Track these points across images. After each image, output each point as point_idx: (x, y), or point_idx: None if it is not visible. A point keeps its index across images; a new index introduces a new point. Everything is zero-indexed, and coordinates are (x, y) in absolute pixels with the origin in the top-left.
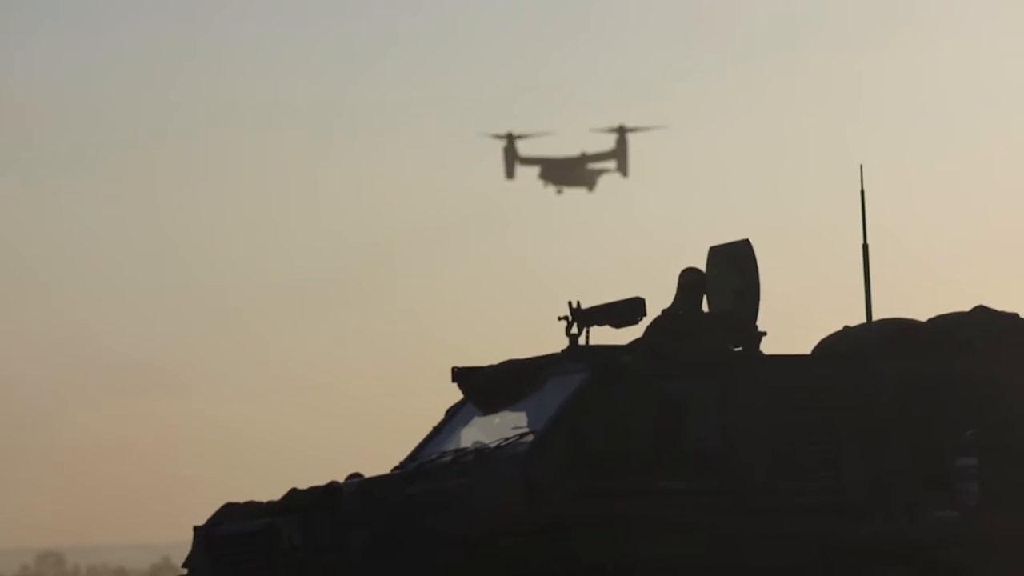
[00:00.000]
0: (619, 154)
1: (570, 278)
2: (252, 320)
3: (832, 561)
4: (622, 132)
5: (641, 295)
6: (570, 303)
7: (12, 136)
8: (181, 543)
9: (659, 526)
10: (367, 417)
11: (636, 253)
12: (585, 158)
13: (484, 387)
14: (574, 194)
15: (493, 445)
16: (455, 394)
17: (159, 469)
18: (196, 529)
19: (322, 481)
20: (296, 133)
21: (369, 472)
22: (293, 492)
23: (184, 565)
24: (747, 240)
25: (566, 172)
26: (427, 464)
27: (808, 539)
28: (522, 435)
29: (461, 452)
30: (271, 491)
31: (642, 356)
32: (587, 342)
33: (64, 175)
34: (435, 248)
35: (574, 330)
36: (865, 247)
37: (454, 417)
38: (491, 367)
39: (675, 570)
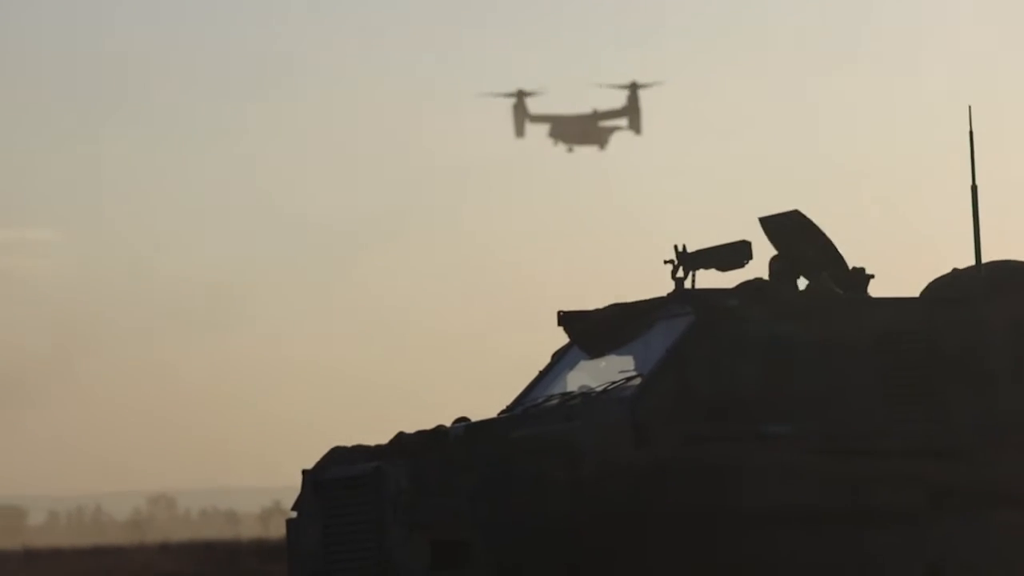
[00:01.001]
0: (631, 111)
1: (673, 221)
2: (360, 265)
3: (941, 504)
4: (634, 88)
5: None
6: (676, 246)
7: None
8: (290, 487)
9: (765, 470)
10: (474, 361)
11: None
12: (597, 115)
13: (590, 331)
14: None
15: (599, 389)
16: (561, 338)
17: (269, 413)
18: (305, 473)
19: (429, 425)
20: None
21: (476, 416)
22: (400, 436)
23: (293, 508)
24: (797, 210)
25: (577, 130)
26: (533, 408)
27: (917, 482)
28: (628, 379)
29: (567, 396)
30: (379, 435)
31: (748, 299)
32: (693, 285)
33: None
34: (539, 190)
35: (680, 273)
36: (974, 188)
37: (560, 361)
38: (597, 311)
39: (782, 514)
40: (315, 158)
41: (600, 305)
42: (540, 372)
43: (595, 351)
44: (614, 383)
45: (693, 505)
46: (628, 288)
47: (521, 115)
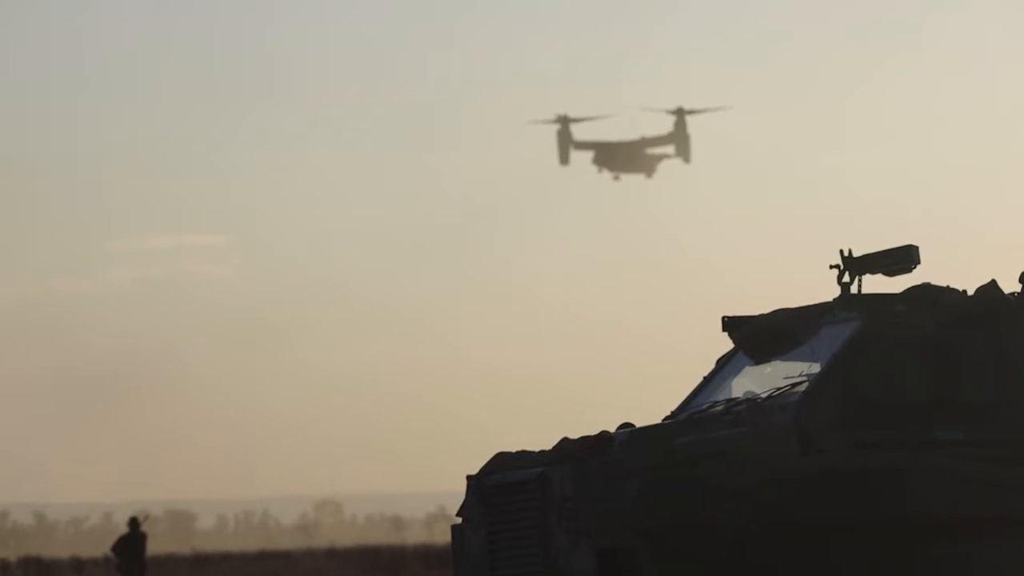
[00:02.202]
0: (678, 137)
1: (837, 226)
2: (530, 271)
3: None
4: (681, 114)
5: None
6: (842, 251)
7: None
8: (455, 492)
9: (935, 477)
10: (638, 366)
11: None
12: (644, 142)
13: (755, 336)
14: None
15: (764, 395)
16: (726, 343)
17: (433, 419)
18: (469, 478)
19: (593, 430)
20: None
21: (640, 421)
22: (565, 441)
23: (458, 514)
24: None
25: (623, 157)
26: (698, 414)
27: None
28: (794, 384)
29: (732, 402)
30: (543, 440)
31: (915, 304)
32: (859, 290)
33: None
34: (705, 195)
35: (846, 278)
36: None
37: (725, 367)
38: (762, 316)
39: (952, 522)
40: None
41: (765, 310)
42: (705, 378)
43: (760, 356)
44: (779, 389)
45: (861, 513)
46: (792, 293)
47: (565, 141)
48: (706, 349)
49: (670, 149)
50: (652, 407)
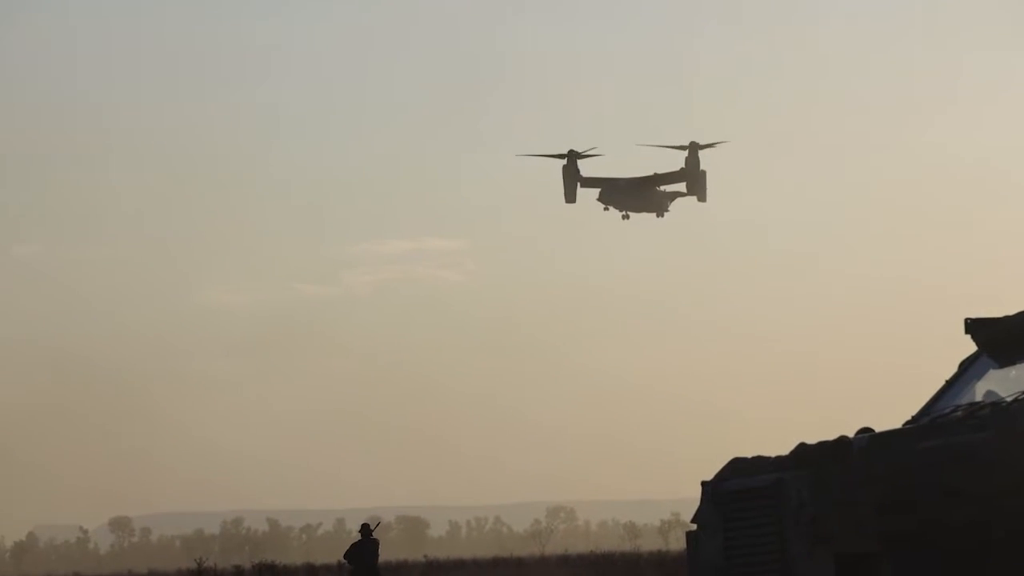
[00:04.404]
0: (690, 174)
1: None
2: (745, 275)
3: None
4: (694, 149)
5: None
6: None
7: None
8: (689, 499)
9: None
10: (877, 370)
11: None
12: (657, 178)
13: (999, 338)
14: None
15: (1010, 399)
16: (968, 346)
17: (666, 426)
18: (704, 484)
19: (831, 436)
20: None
21: (880, 426)
22: (801, 447)
23: (693, 520)
24: None
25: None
26: (940, 418)
27: None
28: None
29: (976, 406)
30: (779, 446)
31: None
32: None
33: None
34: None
35: None
36: None
37: (968, 370)
38: (1008, 317)
39: None
40: None
41: (1010, 312)
42: (947, 381)
43: (1005, 359)
44: None
45: None
46: None
47: (572, 177)
48: (948, 352)
49: (682, 187)
50: (892, 412)
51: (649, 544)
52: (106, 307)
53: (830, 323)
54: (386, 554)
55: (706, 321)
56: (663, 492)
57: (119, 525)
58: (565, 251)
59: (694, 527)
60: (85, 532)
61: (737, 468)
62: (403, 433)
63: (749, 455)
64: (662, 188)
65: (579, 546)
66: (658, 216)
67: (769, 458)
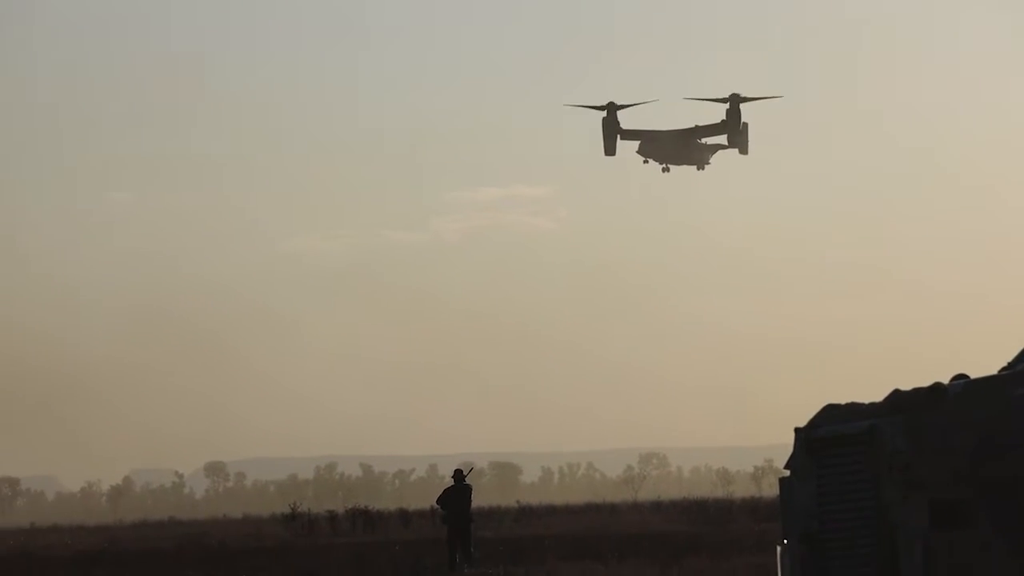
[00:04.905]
0: (732, 127)
1: None
2: (840, 221)
3: None
4: (735, 102)
5: None
6: None
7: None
8: (782, 446)
9: None
10: (973, 315)
11: None
12: (698, 130)
13: None
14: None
15: None
16: None
17: (759, 372)
18: (797, 431)
19: (926, 382)
20: None
21: (975, 373)
22: (896, 393)
23: (786, 467)
24: None
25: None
26: None
27: None
28: None
29: None
30: (873, 391)
31: None
32: None
33: None
34: None
35: None
36: None
37: None
38: None
39: None
40: None
41: None
42: None
43: None
44: None
45: None
46: None
47: (612, 129)
48: None
49: (723, 139)
50: (987, 358)
51: (742, 491)
52: (198, 254)
53: (924, 269)
54: (479, 500)
55: (798, 268)
56: (756, 439)
57: (214, 470)
58: (654, 198)
59: (787, 474)
60: (180, 477)
61: (831, 414)
62: (495, 379)
63: (843, 401)
64: (703, 141)
65: (671, 492)
66: (699, 169)
67: (863, 404)
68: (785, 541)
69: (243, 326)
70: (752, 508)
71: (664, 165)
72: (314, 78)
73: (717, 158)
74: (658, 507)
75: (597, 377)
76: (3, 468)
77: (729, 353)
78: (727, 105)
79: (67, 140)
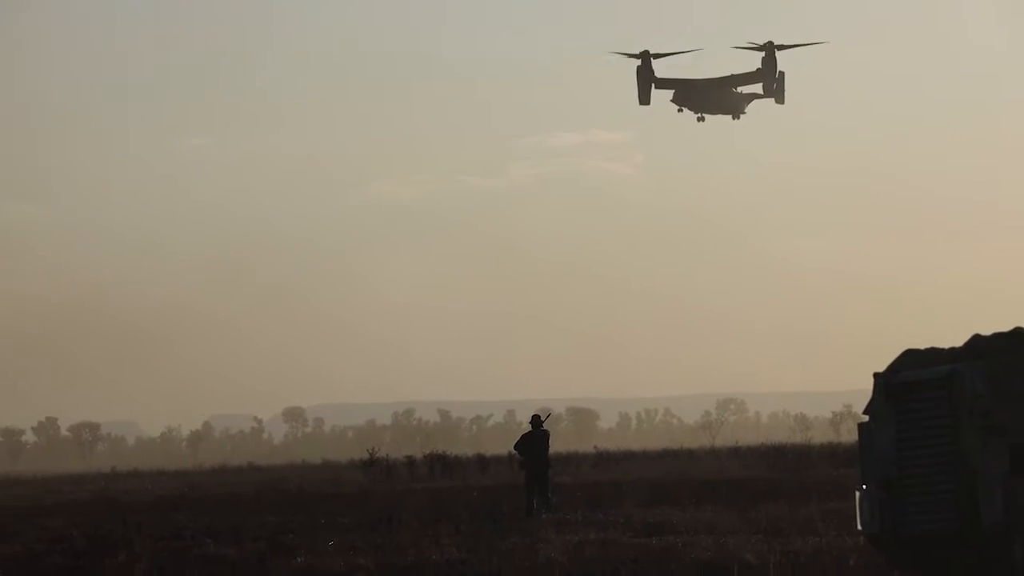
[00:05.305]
0: (767, 75)
1: None
2: (922, 165)
3: None
4: (770, 50)
5: None
6: None
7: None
8: (862, 390)
9: None
10: None
11: None
12: (733, 79)
13: None
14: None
15: None
16: None
17: (838, 317)
18: (877, 376)
19: (1006, 327)
20: None
21: None
22: (976, 338)
23: (865, 411)
24: None
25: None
26: None
27: None
28: None
29: None
30: (953, 337)
31: None
32: None
33: None
34: None
35: None
36: None
37: None
38: None
39: None
40: None
41: None
42: None
43: None
44: None
45: None
46: None
47: (646, 78)
48: None
49: (758, 88)
50: None
51: (820, 436)
52: (277, 201)
53: (1009, 214)
54: (556, 445)
55: (881, 213)
56: (834, 384)
57: (293, 415)
58: (731, 143)
59: (866, 419)
60: (259, 422)
61: (910, 359)
62: (573, 325)
63: (922, 346)
64: (738, 89)
65: (749, 438)
66: (734, 118)
67: (943, 349)
68: (864, 487)
69: (320, 272)
70: (830, 454)
71: (699, 114)
72: (396, 25)
73: (753, 106)
74: (736, 453)
75: (674, 322)
76: (84, 413)
77: (807, 297)
78: (763, 53)
79: (144, 89)
